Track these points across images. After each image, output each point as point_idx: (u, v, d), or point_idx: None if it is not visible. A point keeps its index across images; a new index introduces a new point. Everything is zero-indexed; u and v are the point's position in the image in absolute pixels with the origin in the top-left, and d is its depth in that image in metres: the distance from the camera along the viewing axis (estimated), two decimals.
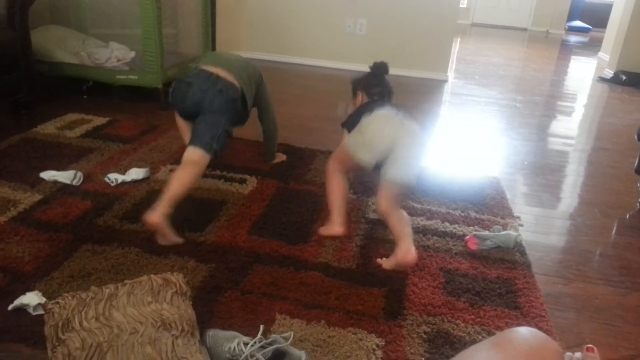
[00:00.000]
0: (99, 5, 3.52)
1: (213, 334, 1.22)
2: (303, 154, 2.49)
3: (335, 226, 1.76)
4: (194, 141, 1.81)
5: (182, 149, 2.37)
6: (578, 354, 1.10)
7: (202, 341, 1.19)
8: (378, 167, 1.69)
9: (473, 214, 2.02)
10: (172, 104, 2.00)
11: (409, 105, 3.52)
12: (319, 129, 2.92)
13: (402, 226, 1.61)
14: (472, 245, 1.78)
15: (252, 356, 1.12)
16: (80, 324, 1.08)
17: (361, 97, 1.95)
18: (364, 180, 2.19)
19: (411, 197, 2.12)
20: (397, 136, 1.64)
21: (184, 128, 2.07)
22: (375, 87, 1.94)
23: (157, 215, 1.61)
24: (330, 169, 1.80)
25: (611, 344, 1.40)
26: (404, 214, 1.68)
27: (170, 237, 1.66)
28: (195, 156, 1.78)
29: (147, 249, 1.61)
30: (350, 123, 1.81)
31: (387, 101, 1.91)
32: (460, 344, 1.32)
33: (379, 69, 1.95)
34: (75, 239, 1.63)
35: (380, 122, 1.69)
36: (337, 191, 1.77)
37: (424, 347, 1.31)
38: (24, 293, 1.34)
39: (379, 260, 1.65)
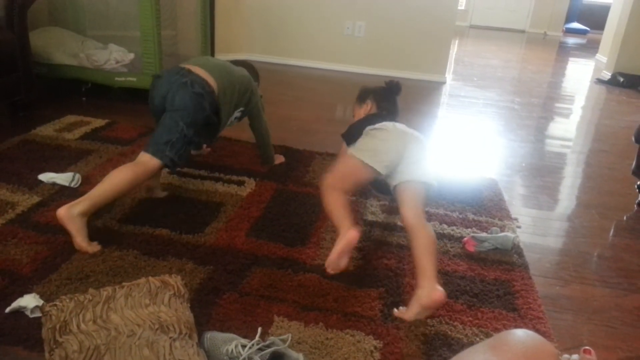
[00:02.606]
0: (97, 7, 3.52)
1: (211, 336, 1.22)
2: (301, 155, 2.49)
3: (346, 233, 1.46)
4: (146, 145, 1.72)
5: None
6: (575, 356, 1.10)
7: (200, 343, 1.19)
8: (378, 185, 1.69)
9: (471, 216, 2.03)
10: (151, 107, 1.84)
11: (407, 107, 3.52)
12: (318, 131, 2.92)
13: (427, 255, 1.41)
14: (470, 247, 1.79)
15: (250, 358, 1.12)
16: (78, 326, 1.08)
17: (369, 107, 1.97)
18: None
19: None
20: (405, 143, 1.67)
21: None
22: (386, 102, 1.97)
23: (65, 210, 1.54)
24: (326, 186, 1.62)
25: (609, 346, 1.40)
26: (431, 231, 1.48)
27: (80, 238, 1.56)
28: (144, 158, 1.70)
29: (145, 251, 1.61)
30: (351, 134, 1.79)
31: (391, 118, 1.88)
32: (458, 346, 1.33)
33: (395, 87, 1.99)
34: (73, 241, 1.63)
35: (390, 131, 1.71)
36: (336, 202, 1.57)
37: (422, 349, 1.31)
38: (21, 295, 1.34)
39: (396, 311, 1.41)
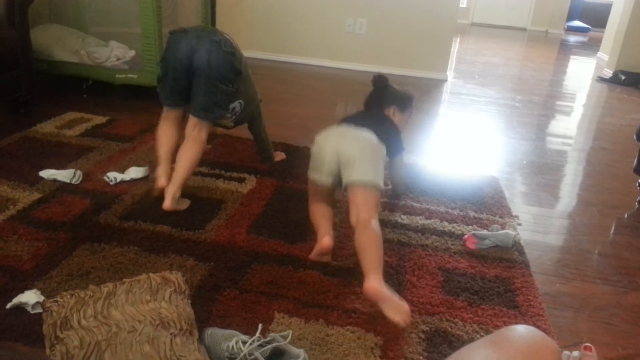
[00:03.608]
0: (98, 4, 3.52)
1: (211, 332, 1.22)
2: (302, 153, 2.49)
3: (321, 239, 1.58)
4: (195, 111, 1.88)
5: None
6: (575, 353, 1.10)
7: (201, 340, 1.19)
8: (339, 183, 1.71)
9: (472, 213, 2.02)
10: (164, 60, 1.89)
11: None
12: (319, 128, 2.90)
13: (365, 254, 1.41)
14: (471, 245, 1.78)
15: (250, 355, 1.13)
16: (79, 322, 1.08)
17: None
18: None
19: (409, 196, 2.12)
20: (338, 146, 1.67)
21: (168, 129, 1.97)
22: (366, 101, 2.05)
23: (169, 202, 1.81)
24: (309, 202, 1.78)
25: (609, 343, 1.40)
26: (371, 232, 1.47)
27: (184, 205, 1.88)
28: (196, 129, 1.88)
29: (146, 248, 1.61)
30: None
31: (369, 112, 1.99)
32: (459, 343, 1.33)
33: (375, 81, 2.04)
34: (74, 238, 1.64)
35: (320, 142, 1.74)
36: (316, 212, 1.71)
37: (423, 345, 1.31)
38: (22, 291, 1.34)
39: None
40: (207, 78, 1.81)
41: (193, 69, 1.82)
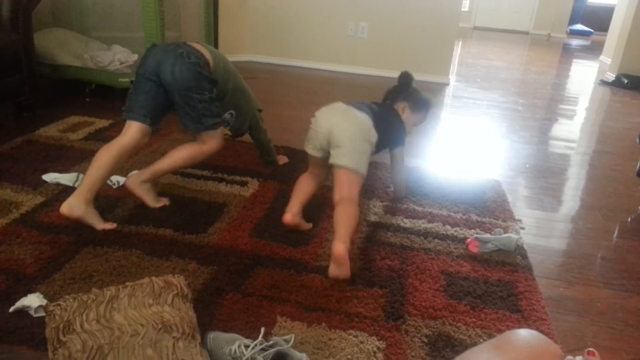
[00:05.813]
0: (101, 8, 3.53)
1: (214, 336, 1.22)
2: (304, 156, 2.47)
3: (286, 213, 1.79)
4: (186, 128, 1.84)
5: None
6: (579, 358, 1.10)
7: (203, 344, 1.19)
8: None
9: (474, 217, 2.02)
10: (137, 72, 1.82)
11: None
12: None
13: (339, 224, 1.58)
14: (474, 248, 1.78)
15: (253, 359, 1.12)
16: (82, 326, 1.08)
17: None
18: (365, 183, 2.19)
19: (412, 199, 2.12)
20: (334, 125, 1.74)
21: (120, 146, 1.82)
22: (384, 95, 2.10)
23: (132, 180, 1.84)
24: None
25: (613, 348, 1.40)
26: (349, 209, 1.63)
27: (149, 200, 1.86)
28: (201, 140, 1.85)
29: (149, 251, 1.62)
30: None
31: (380, 103, 2.03)
32: (462, 347, 1.32)
33: (399, 79, 2.08)
34: (76, 241, 1.64)
35: (319, 115, 1.81)
36: (298, 184, 1.89)
37: (425, 349, 1.30)
38: (25, 295, 1.35)
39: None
40: (178, 92, 1.75)
41: (163, 85, 1.76)
